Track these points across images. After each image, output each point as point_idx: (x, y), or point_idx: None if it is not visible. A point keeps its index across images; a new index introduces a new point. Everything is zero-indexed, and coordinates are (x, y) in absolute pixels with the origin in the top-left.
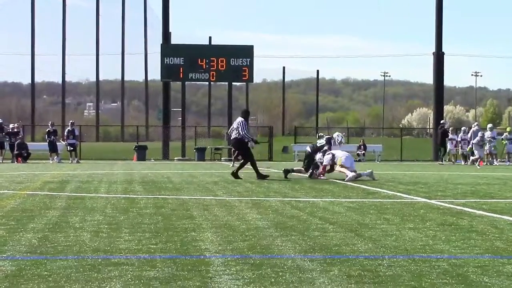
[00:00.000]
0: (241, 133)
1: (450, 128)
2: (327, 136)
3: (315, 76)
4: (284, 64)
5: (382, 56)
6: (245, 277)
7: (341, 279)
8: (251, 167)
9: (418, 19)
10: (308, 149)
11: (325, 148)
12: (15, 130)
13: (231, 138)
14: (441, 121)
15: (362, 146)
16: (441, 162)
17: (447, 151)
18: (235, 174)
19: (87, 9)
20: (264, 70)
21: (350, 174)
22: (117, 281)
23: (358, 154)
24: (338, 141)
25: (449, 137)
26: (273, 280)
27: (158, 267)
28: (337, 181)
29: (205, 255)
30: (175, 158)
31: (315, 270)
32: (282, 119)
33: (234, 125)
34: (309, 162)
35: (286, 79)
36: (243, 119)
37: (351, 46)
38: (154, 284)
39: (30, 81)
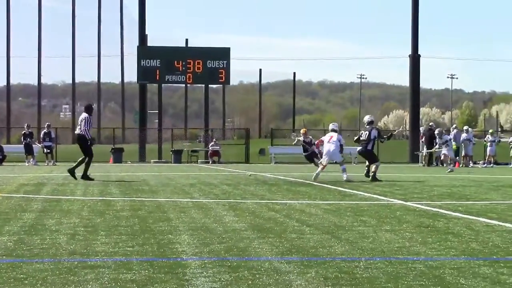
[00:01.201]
0: (82, 128)
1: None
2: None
3: (292, 78)
4: (261, 66)
5: (358, 58)
6: (222, 279)
7: (318, 281)
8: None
9: (394, 21)
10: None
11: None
12: None
13: (76, 133)
14: (430, 124)
15: None
16: (423, 164)
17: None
18: (72, 172)
19: (63, 11)
20: (241, 72)
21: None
22: (94, 284)
23: None
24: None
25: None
26: (250, 282)
27: (135, 269)
28: (314, 183)
29: (182, 258)
30: (152, 161)
31: (292, 273)
32: (259, 121)
33: (79, 121)
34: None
35: (262, 81)
36: (87, 115)
37: (327, 49)
38: (131, 287)
39: (5, 83)
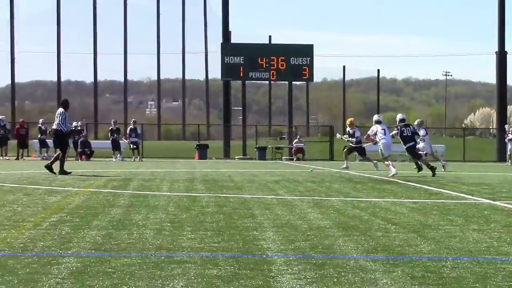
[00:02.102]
0: (57, 122)
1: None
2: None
3: (376, 75)
4: (345, 63)
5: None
6: (307, 276)
7: (404, 280)
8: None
9: (480, 17)
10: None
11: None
12: (79, 128)
13: (52, 128)
14: None
15: None
16: (510, 163)
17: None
18: (49, 167)
19: (148, 8)
20: (324, 69)
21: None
22: (180, 279)
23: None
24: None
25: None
26: (335, 280)
27: (220, 265)
28: (400, 181)
29: (267, 254)
30: (236, 157)
31: (378, 271)
32: (343, 118)
33: (55, 116)
34: None
35: (346, 78)
36: (62, 110)
37: (412, 45)
38: (217, 283)
39: (93, 80)
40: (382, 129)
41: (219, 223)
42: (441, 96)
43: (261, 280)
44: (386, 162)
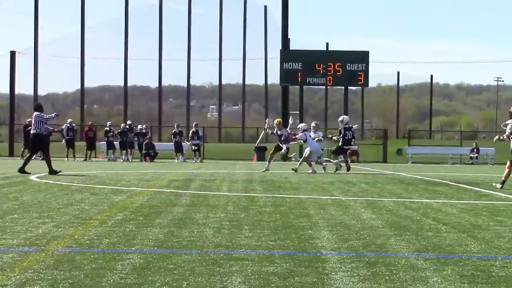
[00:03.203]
0: (37, 126)
1: None
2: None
3: (429, 80)
4: (399, 69)
5: (495, 61)
6: (360, 274)
7: (454, 278)
8: (46, 164)
9: None
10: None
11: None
12: (144, 131)
13: (31, 133)
14: None
15: (475, 150)
16: None
17: None
18: (21, 169)
19: (211, 17)
20: (379, 74)
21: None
22: (238, 276)
23: (471, 157)
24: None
25: None
26: (387, 278)
27: (276, 263)
28: (450, 183)
29: (321, 252)
30: (293, 159)
31: (429, 269)
32: (396, 122)
33: (32, 121)
34: None
35: (400, 84)
36: (37, 113)
37: (463, 52)
38: (273, 279)
39: (157, 85)
40: (309, 136)
41: (275, 222)
42: (492, 101)
43: (315, 277)
44: (313, 163)
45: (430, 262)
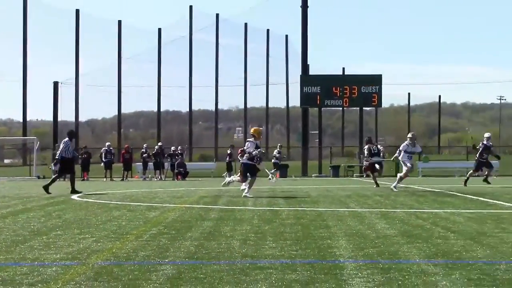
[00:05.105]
0: (60, 151)
1: None
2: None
3: (437, 100)
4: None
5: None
6: (375, 280)
7: (461, 282)
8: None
9: None
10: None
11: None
12: (177, 152)
13: (60, 157)
14: None
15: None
16: None
17: None
18: (46, 188)
19: (236, 47)
20: (391, 95)
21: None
22: (263, 283)
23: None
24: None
25: None
26: (400, 283)
27: (298, 271)
28: (458, 194)
29: (339, 260)
30: (313, 175)
31: (438, 274)
32: None
33: (61, 145)
34: None
35: (411, 104)
36: (66, 139)
37: (469, 73)
38: (295, 286)
39: (188, 110)
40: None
41: (297, 233)
42: (495, 118)
43: (334, 283)
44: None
45: (439, 267)
